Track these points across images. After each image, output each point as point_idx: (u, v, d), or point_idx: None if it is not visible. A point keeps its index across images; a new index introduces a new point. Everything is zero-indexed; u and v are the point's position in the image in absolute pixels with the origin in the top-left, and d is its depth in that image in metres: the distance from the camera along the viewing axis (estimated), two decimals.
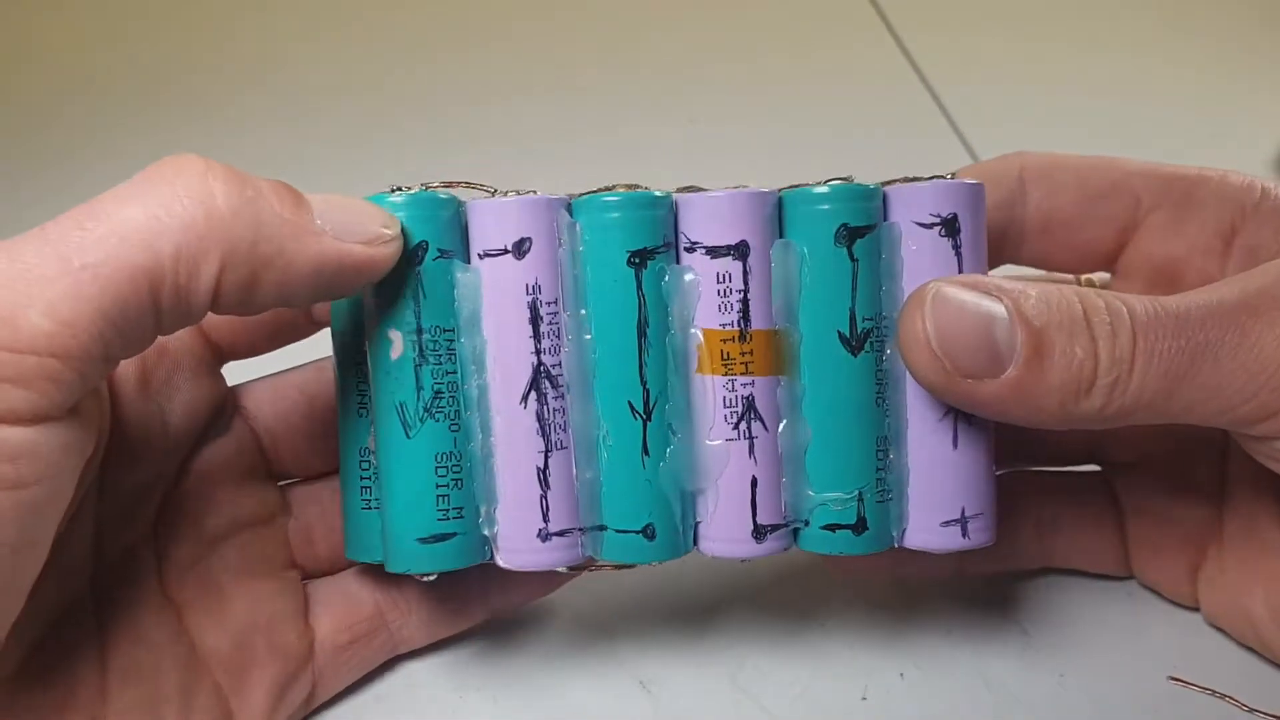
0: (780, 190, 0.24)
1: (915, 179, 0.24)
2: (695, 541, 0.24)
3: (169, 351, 0.25)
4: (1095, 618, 0.29)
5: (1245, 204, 0.26)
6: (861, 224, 0.23)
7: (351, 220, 0.21)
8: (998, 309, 0.22)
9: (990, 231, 0.27)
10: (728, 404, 0.24)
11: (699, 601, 0.29)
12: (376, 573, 0.27)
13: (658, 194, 0.23)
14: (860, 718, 0.26)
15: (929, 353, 0.22)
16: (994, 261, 0.29)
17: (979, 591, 0.29)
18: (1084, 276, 0.29)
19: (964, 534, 0.24)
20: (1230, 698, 0.27)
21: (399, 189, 0.23)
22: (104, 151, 0.46)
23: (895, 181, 0.24)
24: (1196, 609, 0.29)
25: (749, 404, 0.24)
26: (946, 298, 0.22)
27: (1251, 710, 0.27)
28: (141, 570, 0.25)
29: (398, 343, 0.23)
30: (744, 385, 0.24)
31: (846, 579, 0.30)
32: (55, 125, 0.48)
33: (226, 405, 0.26)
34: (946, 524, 0.24)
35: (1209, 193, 0.27)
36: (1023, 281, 0.22)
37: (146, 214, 0.19)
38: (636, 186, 0.24)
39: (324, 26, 0.57)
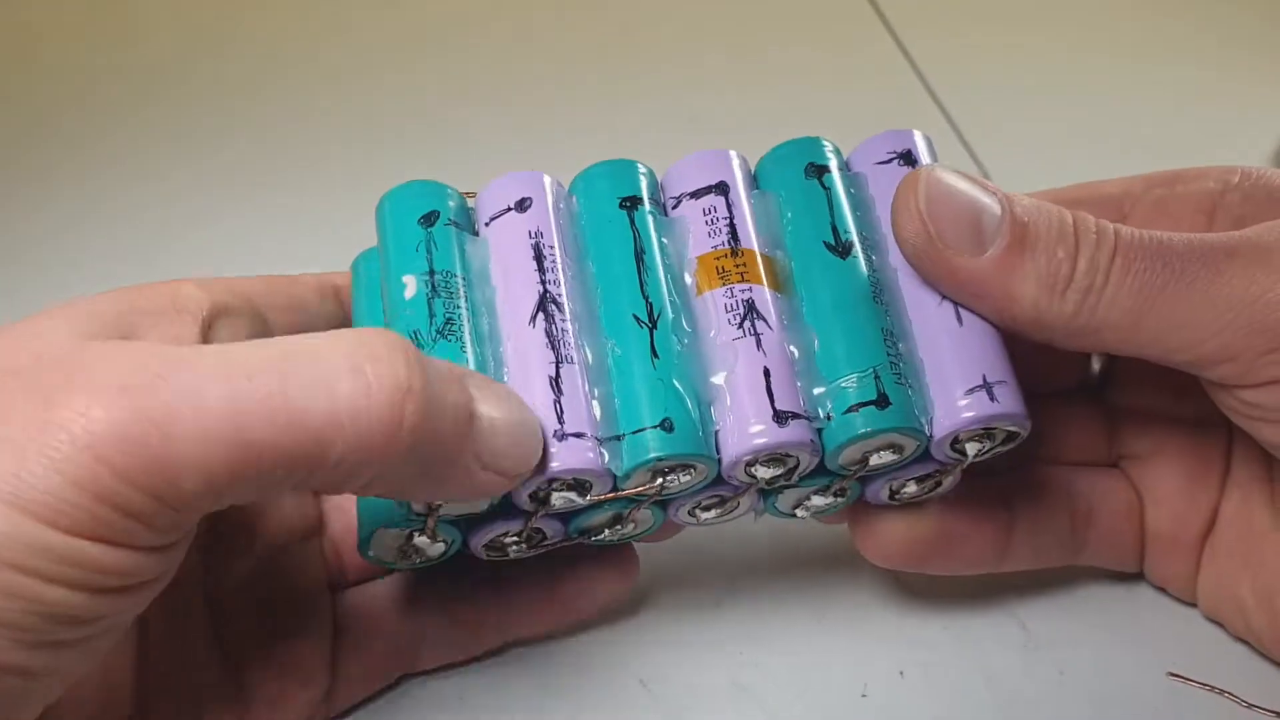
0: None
1: None
2: (718, 450, 0.23)
3: None
4: (1095, 614, 0.29)
5: (1227, 181, 0.27)
6: (824, 163, 0.26)
7: (510, 453, 0.21)
8: (989, 199, 0.23)
9: None
10: (729, 309, 0.24)
11: (699, 599, 0.29)
12: (393, 594, 0.25)
13: (642, 167, 0.26)
14: (860, 715, 0.26)
15: (918, 219, 0.23)
16: None
17: (979, 588, 0.29)
18: None
19: (991, 398, 0.23)
20: (1229, 693, 0.27)
21: None
22: (100, 152, 0.45)
23: None
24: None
25: (750, 306, 0.24)
26: (940, 178, 0.24)
27: (1250, 706, 0.27)
28: (188, 582, 0.24)
29: (411, 285, 0.25)
30: (742, 291, 0.24)
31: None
32: (52, 125, 0.47)
33: None
34: (971, 391, 0.23)
35: (1189, 179, 0.28)
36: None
37: (332, 409, 0.18)
38: None
39: (322, 25, 0.54)
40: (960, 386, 0.24)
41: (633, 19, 0.57)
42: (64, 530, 0.17)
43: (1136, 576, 0.29)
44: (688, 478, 0.23)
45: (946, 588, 0.29)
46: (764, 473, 0.24)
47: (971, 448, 0.24)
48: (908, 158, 0.26)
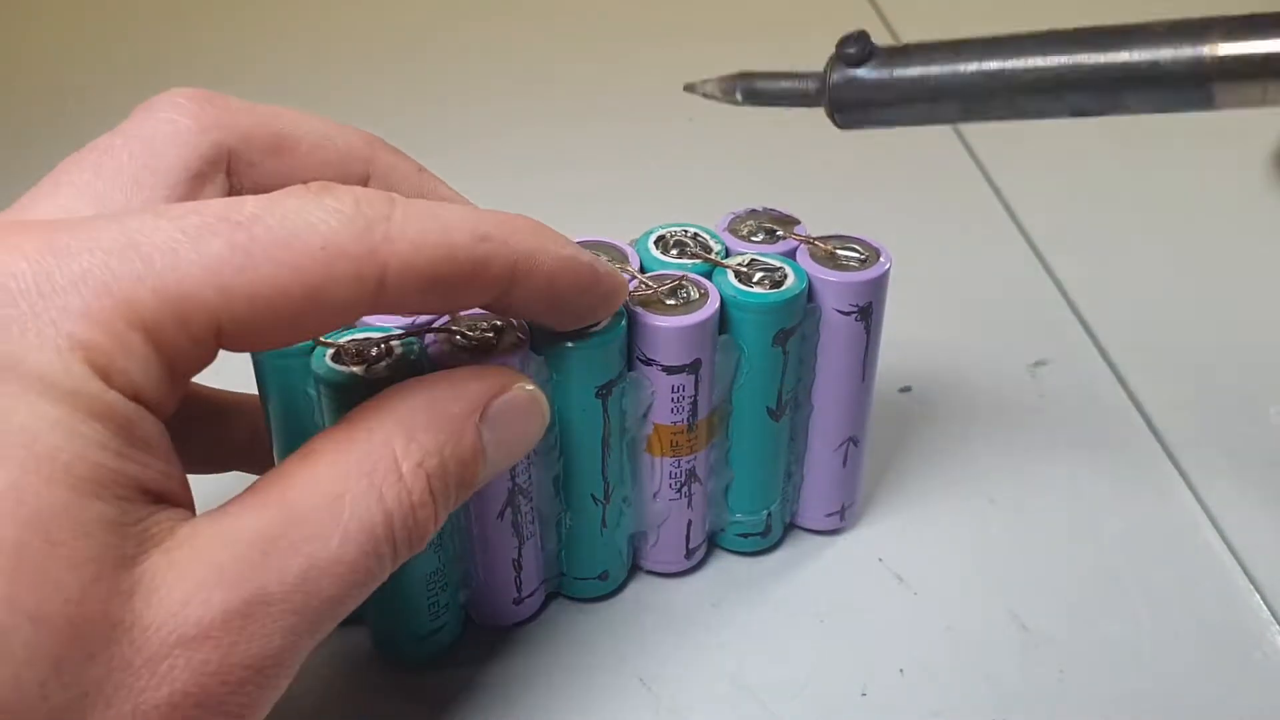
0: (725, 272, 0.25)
1: (841, 255, 0.26)
2: (637, 560, 0.29)
3: None
4: (1094, 613, 0.29)
5: None
6: (792, 325, 0.26)
7: (510, 461, 0.22)
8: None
9: None
10: (673, 477, 0.27)
11: (699, 598, 0.29)
12: None
13: (613, 331, 0.24)
14: (860, 714, 0.26)
15: None
16: None
17: (978, 586, 0.29)
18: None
19: (841, 519, 0.30)
20: None
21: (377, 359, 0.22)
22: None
23: (822, 242, 0.26)
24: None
25: (690, 474, 0.27)
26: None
27: None
28: None
29: None
30: (688, 462, 0.27)
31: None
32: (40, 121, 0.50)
33: None
34: (829, 515, 0.30)
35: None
36: None
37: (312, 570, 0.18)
38: (621, 264, 0.26)
39: (314, 24, 0.58)
40: (825, 509, 0.30)
41: (632, 18, 0.61)
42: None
43: (1138, 577, 0.29)
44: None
45: (947, 586, 0.29)
46: None
47: None
48: (865, 312, 0.26)
